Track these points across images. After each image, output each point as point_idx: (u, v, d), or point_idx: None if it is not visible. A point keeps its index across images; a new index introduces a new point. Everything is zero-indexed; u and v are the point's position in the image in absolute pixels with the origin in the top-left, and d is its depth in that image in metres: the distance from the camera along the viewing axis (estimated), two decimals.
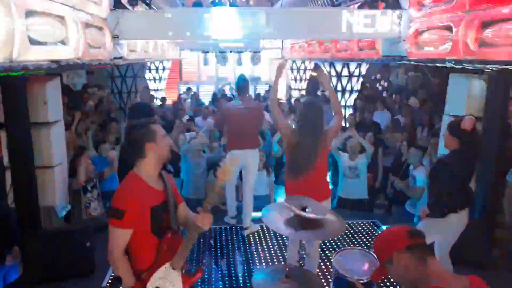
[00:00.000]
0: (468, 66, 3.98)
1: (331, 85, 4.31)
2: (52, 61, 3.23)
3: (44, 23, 2.95)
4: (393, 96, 12.86)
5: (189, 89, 14.79)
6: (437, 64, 4.33)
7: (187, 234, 2.48)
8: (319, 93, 12.21)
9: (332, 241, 5.14)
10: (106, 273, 4.53)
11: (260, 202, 5.87)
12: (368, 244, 5.13)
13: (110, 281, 4.35)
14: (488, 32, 3.28)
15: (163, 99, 12.07)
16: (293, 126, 4.08)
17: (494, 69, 4.10)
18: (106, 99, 10.58)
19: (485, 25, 3.29)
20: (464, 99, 4.89)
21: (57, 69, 3.40)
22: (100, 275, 4.48)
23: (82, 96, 10.50)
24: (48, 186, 4.76)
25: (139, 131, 2.49)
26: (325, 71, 4.19)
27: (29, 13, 2.65)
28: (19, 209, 4.50)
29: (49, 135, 4.72)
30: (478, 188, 5.07)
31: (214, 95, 13.37)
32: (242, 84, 5.36)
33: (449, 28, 3.77)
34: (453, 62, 3.90)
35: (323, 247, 5.03)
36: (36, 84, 4.58)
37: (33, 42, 2.74)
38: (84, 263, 4.48)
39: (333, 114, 4.06)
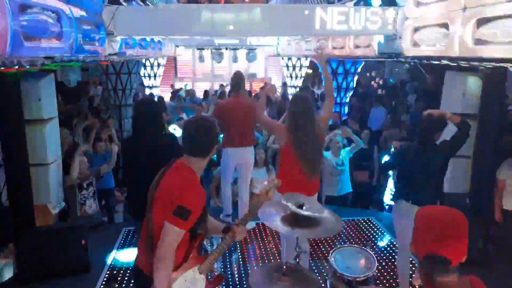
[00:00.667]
0: (463, 64, 3.99)
1: (327, 68, 4.29)
2: (47, 57, 3.20)
3: (39, 19, 2.91)
4: (387, 93, 12.90)
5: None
6: (433, 62, 4.33)
7: (223, 241, 2.47)
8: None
9: (328, 239, 5.14)
10: (102, 271, 4.51)
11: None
12: (364, 242, 5.14)
13: (106, 279, 4.34)
14: (484, 30, 3.28)
15: (160, 99, 11.94)
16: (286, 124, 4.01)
17: (489, 66, 4.10)
18: (101, 96, 10.56)
19: (481, 22, 3.30)
20: (460, 96, 4.90)
21: (51, 65, 3.38)
22: (95, 273, 4.46)
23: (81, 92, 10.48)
24: (43, 184, 4.72)
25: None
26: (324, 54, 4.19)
27: (24, 8, 2.62)
28: (14, 207, 4.47)
29: (43, 132, 4.68)
30: (472, 186, 5.10)
31: (206, 92, 13.30)
32: (237, 80, 5.34)
33: (445, 26, 3.77)
34: (449, 60, 3.91)
35: (320, 245, 5.04)
36: (31, 80, 4.53)
37: (27, 38, 2.70)
38: (79, 261, 4.46)
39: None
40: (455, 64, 4.09)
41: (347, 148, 6.32)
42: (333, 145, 6.24)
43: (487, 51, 3.26)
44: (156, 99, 11.46)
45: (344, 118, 9.20)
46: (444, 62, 4.06)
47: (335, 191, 6.31)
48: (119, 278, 4.37)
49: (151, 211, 2.37)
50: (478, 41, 3.34)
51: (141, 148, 3.57)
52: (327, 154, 6.21)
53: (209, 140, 2.43)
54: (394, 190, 4.01)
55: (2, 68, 2.82)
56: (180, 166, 2.41)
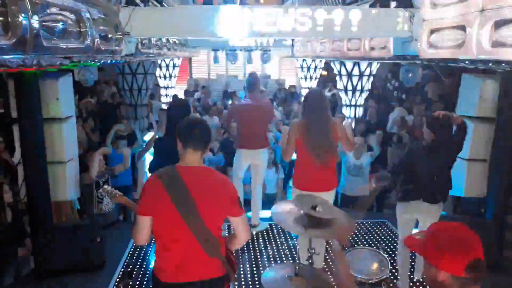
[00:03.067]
0: (481, 66, 3.94)
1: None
2: (65, 57, 3.26)
3: (58, 19, 2.97)
4: (404, 95, 12.78)
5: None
6: (450, 64, 4.29)
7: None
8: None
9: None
10: (116, 268, 4.57)
11: (270, 200, 5.89)
12: (377, 244, 5.10)
13: (120, 275, 4.39)
14: (502, 32, 3.24)
15: (175, 97, 12.10)
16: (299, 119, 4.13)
17: (507, 69, 4.05)
18: (114, 95, 10.68)
19: (499, 24, 3.26)
20: (477, 99, 4.83)
21: (69, 65, 3.44)
22: (110, 269, 4.52)
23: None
24: (60, 181, 4.80)
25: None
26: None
27: (43, 9, 2.67)
28: (31, 203, 4.56)
29: (61, 131, 4.76)
30: (489, 190, 5.02)
31: (226, 92, 13.40)
32: (252, 81, 5.32)
33: (462, 28, 3.73)
34: (466, 62, 3.86)
35: (333, 246, 5.01)
36: (49, 79, 4.62)
37: (46, 38, 2.76)
38: (94, 257, 4.52)
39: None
40: (472, 67, 4.04)
41: (369, 154, 6.32)
42: (356, 148, 6.27)
43: (505, 54, 3.22)
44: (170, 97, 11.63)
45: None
46: (461, 64, 4.02)
47: (350, 190, 6.31)
48: (133, 275, 4.42)
49: (203, 223, 2.33)
50: (496, 43, 3.30)
51: (172, 148, 3.58)
52: (348, 154, 6.21)
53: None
54: (400, 190, 4.06)
55: (22, 67, 2.88)
56: (203, 169, 2.51)
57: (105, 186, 3.01)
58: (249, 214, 5.52)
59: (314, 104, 3.96)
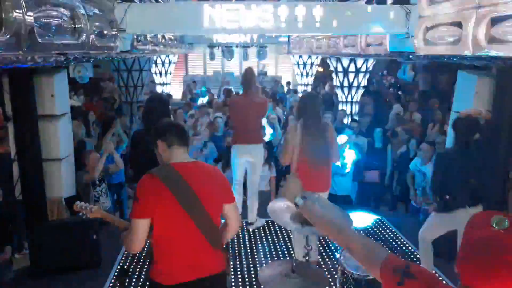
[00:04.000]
0: (477, 63, 3.95)
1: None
2: (60, 54, 3.24)
3: (52, 16, 2.95)
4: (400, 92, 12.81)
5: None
6: (446, 60, 4.30)
7: None
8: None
9: None
10: (112, 265, 4.56)
11: (263, 198, 5.89)
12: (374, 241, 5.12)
13: (116, 273, 4.38)
14: (498, 28, 3.25)
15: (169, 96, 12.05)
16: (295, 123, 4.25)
17: (503, 65, 4.06)
18: (114, 92, 10.66)
19: (495, 21, 3.26)
20: (472, 96, 4.84)
21: (64, 61, 3.41)
22: (106, 267, 4.51)
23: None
24: (55, 178, 4.78)
25: None
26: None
27: (38, 5, 2.65)
28: (26, 201, 4.54)
29: (56, 128, 4.74)
30: (486, 186, 5.03)
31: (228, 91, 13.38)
32: (248, 77, 5.30)
33: (458, 24, 3.73)
34: (462, 58, 3.87)
35: (329, 243, 5.03)
36: (44, 76, 4.59)
37: (41, 34, 2.74)
38: (90, 255, 4.50)
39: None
40: (468, 63, 4.05)
41: (354, 153, 6.33)
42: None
43: (500, 50, 3.22)
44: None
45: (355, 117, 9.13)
46: (457, 61, 4.03)
47: (337, 190, 6.33)
48: (129, 273, 4.41)
49: (207, 215, 2.34)
50: (492, 40, 3.31)
51: (149, 142, 3.59)
52: None
53: None
54: (439, 200, 3.91)
55: (17, 63, 2.85)
56: (194, 162, 2.50)
57: (77, 203, 2.84)
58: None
59: (309, 106, 4.08)
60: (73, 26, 3.33)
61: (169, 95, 11.74)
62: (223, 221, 2.59)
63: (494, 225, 1.19)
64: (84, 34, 3.51)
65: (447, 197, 3.80)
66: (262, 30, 4.70)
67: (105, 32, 4.18)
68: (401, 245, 5.10)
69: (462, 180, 3.75)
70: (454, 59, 3.99)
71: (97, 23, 3.90)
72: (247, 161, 5.36)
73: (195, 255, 2.36)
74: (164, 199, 2.27)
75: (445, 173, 3.82)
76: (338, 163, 5.96)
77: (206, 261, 2.39)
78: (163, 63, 13.00)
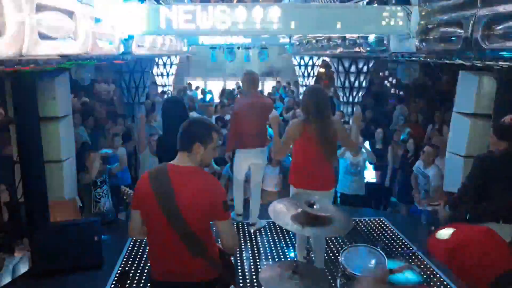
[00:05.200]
0: (478, 63, 3.95)
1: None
2: (61, 56, 3.26)
3: (54, 18, 2.96)
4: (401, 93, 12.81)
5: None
6: (447, 61, 4.30)
7: None
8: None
9: (339, 239, 5.14)
10: (114, 267, 4.56)
11: (270, 198, 5.90)
12: (375, 242, 5.11)
13: (117, 275, 4.38)
14: (499, 29, 3.25)
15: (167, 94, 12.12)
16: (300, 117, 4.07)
17: (504, 66, 4.05)
18: (113, 94, 10.67)
19: (496, 21, 3.27)
20: (473, 96, 4.84)
21: (66, 64, 3.43)
22: (107, 269, 4.51)
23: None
24: (57, 180, 4.80)
25: None
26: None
27: (39, 8, 2.66)
28: (28, 202, 4.55)
29: (58, 130, 4.75)
30: None
31: (223, 91, 13.43)
32: (250, 79, 5.21)
33: (459, 24, 3.74)
34: (463, 59, 3.87)
35: (330, 244, 5.03)
36: (46, 78, 4.60)
37: (42, 37, 2.75)
38: (92, 256, 4.51)
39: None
40: (469, 64, 4.05)
41: (367, 154, 6.35)
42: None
43: (501, 50, 3.23)
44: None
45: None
46: (458, 61, 4.03)
47: (348, 189, 6.35)
48: (131, 274, 4.41)
49: (184, 222, 2.32)
50: (492, 40, 3.31)
51: (170, 145, 3.56)
52: (347, 154, 6.21)
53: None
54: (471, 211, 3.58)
55: (19, 66, 2.87)
56: (193, 169, 2.45)
57: (122, 187, 3.04)
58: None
59: (312, 100, 3.85)
60: (74, 28, 3.35)
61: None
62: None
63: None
64: (86, 36, 3.53)
65: (484, 204, 3.46)
66: (219, 31, 4.69)
67: (106, 34, 4.20)
68: (402, 246, 5.09)
69: (504, 189, 3.39)
70: (455, 59, 3.99)
71: (98, 25, 3.92)
72: (252, 163, 5.33)
73: (169, 256, 2.42)
74: (147, 196, 2.38)
75: (483, 180, 3.49)
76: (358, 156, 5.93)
77: (180, 265, 2.41)
78: (164, 65, 13.03)
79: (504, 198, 3.35)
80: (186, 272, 2.42)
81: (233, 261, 2.68)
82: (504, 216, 3.38)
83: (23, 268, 4.42)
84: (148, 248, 2.60)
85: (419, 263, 4.65)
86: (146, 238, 2.56)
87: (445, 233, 1.55)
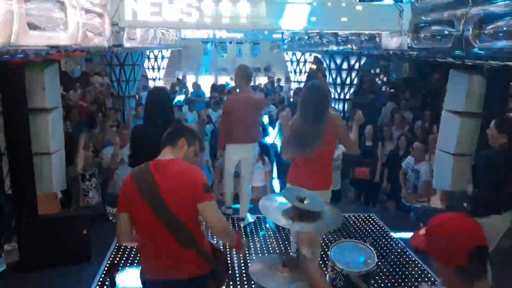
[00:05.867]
0: (468, 62, 3.98)
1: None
2: (51, 47, 3.21)
3: (43, 8, 2.92)
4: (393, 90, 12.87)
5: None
6: (437, 59, 4.33)
7: None
8: None
9: (329, 234, 5.16)
10: (103, 260, 4.54)
11: (257, 193, 5.90)
12: (365, 238, 5.14)
13: (107, 269, 4.36)
14: (490, 28, 3.28)
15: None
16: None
17: (494, 65, 4.09)
18: (105, 87, 10.59)
19: (487, 20, 3.29)
20: (464, 95, 4.88)
21: (55, 54, 3.38)
22: (96, 262, 4.49)
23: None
24: (46, 173, 4.74)
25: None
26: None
27: None
28: (16, 195, 4.49)
29: (47, 122, 4.69)
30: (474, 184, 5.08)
31: (213, 86, 13.35)
32: (243, 74, 5.16)
33: (450, 23, 3.76)
34: (453, 57, 3.90)
35: (320, 240, 5.05)
36: (35, 69, 4.54)
37: (31, 26, 2.71)
38: (81, 250, 4.48)
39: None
40: (460, 62, 4.08)
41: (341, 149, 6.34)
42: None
43: (492, 49, 3.25)
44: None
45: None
46: (449, 60, 4.06)
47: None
48: (119, 268, 4.39)
49: (169, 210, 2.33)
50: (484, 39, 3.33)
51: (151, 137, 3.54)
52: None
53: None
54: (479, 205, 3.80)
55: (7, 57, 2.83)
56: (173, 160, 2.49)
57: (108, 209, 3.06)
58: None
59: (309, 98, 3.74)
60: (64, 19, 3.30)
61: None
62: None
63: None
64: (76, 28, 3.48)
65: (487, 196, 3.68)
66: (185, 24, 4.66)
67: (97, 25, 4.15)
68: (391, 243, 5.14)
69: (504, 183, 3.63)
70: (446, 57, 4.02)
71: (89, 16, 3.87)
72: (242, 157, 5.33)
73: (164, 255, 2.41)
74: (134, 197, 2.37)
75: (493, 175, 3.67)
76: None
77: (178, 263, 2.41)
78: (156, 58, 12.94)
79: (507, 189, 3.60)
80: (178, 266, 2.41)
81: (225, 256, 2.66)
82: (506, 205, 3.63)
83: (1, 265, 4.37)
84: (139, 249, 2.56)
85: (407, 259, 4.70)
86: (136, 242, 2.55)
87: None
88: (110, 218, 3.00)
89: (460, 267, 1.50)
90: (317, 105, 3.69)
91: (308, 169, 3.76)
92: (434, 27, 4.15)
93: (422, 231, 1.64)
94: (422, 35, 4.37)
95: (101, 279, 4.18)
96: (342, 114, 9.16)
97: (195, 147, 2.59)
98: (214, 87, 12.11)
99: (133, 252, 4.68)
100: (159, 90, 5.09)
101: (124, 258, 4.62)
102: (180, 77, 15.38)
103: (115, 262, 4.53)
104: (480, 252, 1.50)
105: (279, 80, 15.57)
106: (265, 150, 6.63)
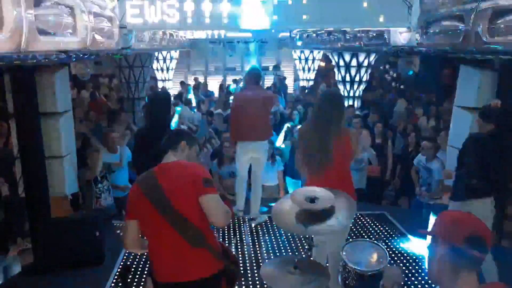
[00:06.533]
0: (479, 57, 3.93)
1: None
2: (61, 51, 3.24)
3: (53, 13, 2.94)
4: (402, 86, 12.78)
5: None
6: (447, 55, 4.28)
7: None
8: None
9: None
10: (115, 262, 4.57)
11: (269, 192, 5.89)
12: (377, 236, 5.11)
13: (119, 270, 4.39)
14: (500, 22, 3.23)
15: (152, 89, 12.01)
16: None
17: (506, 59, 4.03)
18: (115, 88, 10.65)
19: (497, 15, 3.24)
20: (475, 90, 4.81)
21: (65, 59, 3.41)
22: (108, 264, 4.52)
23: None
24: (58, 176, 4.79)
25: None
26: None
27: (38, 3, 2.64)
28: (29, 198, 4.54)
29: (58, 125, 4.74)
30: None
31: (221, 86, 13.39)
32: (254, 74, 5.20)
33: (460, 18, 3.71)
34: (464, 53, 3.85)
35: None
36: (45, 74, 4.58)
37: (41, 32, 2.73)
38: (94, 252, 4.51)
39: None
40: (470, 58, 4.03)
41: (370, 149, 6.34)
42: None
43: (503, 44, 3.21)
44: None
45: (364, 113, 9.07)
46: (460, 55, 4.01)
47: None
48: (132, 270, 4.42)
49: (175, 210, 2.37)
50: (494, 33, 3.29)
51: (153, 140, 3.57)
52: None
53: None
54: (460, 187, 3.85)
55: (18, 61, 2.85)
56: (175, 162, 2.57)
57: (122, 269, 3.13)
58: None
59: (324, 107, 3.47)
60: (73, 23, 3.33)
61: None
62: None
63: None
64: (85, 31, 3.51)
65: (475, 181, 3.73)
66: (168, 25, 4.67)
67: (105, 29, 4.18)
68: (404, 240, 5.10)
69: (484, 168, 3.70)
70: (456, 53, 3.97)
71: (97, 20, 3.90)
72: (252, 157, 5.32)
73: (176, 257, 2.43)
74: (141, 203, 2.42)
75: (478, 157, 3.74)
76: None
77: (190, 264, 2.42)
78: (164, 59, 12.97)
79: (494, 174, 3.71)
80: (190, 267, 2.42)
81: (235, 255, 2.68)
82: (487, 190, 3.74)
83: (16, 269, 4.42)
84: (150, 255, 2.58)
85: (420, 257, 4.66)
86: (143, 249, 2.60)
87: None
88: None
89: (455, 247, 1.54)
90: (332, 118, 3.42)
91: (325, 181, 3.24)
92: (444, 23, 4.10)
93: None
94: (431, 31, 4.33)
95: (113, 281, 4.21)
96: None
97: (195, 147, 2.71)
98: (222, 88, 12.15)
99: (144, 255, 4.70)
100: (159, 93, 5.19)
101: (136, 260, 4.64)
102: (187, 80, 15.37)
103: (128, 264, 4.56)
104: (479, 240, 1.54)
105: (285, 78, 15.49)
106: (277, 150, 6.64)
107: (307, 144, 3.51)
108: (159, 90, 11.00)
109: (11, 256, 4.41)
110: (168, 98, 4.42)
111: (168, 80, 13.41)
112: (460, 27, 3.71)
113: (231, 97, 11.05)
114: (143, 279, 4.24)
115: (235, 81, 14.06)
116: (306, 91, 12.67)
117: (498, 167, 3.71)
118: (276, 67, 16.38)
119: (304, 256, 3.79)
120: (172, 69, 13.42)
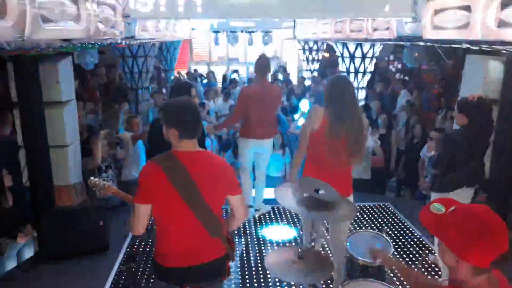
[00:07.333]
0: (485, 47, 3.88)
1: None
2: (64, 40, 3.22)
3: (56, 1, 2.92)
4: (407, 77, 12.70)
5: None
6: (454, 45, 4.23)
7: None
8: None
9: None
10: (119, 251, 4.60)
11: (274, 183, 5.88)
12: (380, 227, 5.11)
13: (124, 258, 4.42)
14: (507, 12, 3.19)
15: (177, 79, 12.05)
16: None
17: None
18: (117, 78, 10.63)
19: (504, 4, 3.20)
20: (481, 81, 4.78)
21: (68, 48, 3.40)
22: (113, 253, 4.55)
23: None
24: (62, 165, 4.80)
25: None
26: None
27: None
28: (34, 187, 4.56)
29: (62, 115, 4.74)
30: (491, 172, 5.00)
31: (224, 76, 13.35)
32: (262, 64, 4.99)
33: (467, 8, 3.67)
34: (470, 43, 3.81)
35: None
36: (48, 63, 4.57)
37: (44, 20, 2.72)
38: (98, 241, 4.54)
39: None
40: (477, 48, 3.98)
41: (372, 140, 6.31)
42: None
43: (510, 34, 3.17)
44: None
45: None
46: (465, 45, 3.97)
47: (356, 173, 6.34)
48: (137, 259, 4.45)
49: (209, 209, 2.37)
50: (501, 24, 3.25)
51: None
52: None
53: None
54: (441, 180, 3.94)
55: (21, 50, 2.84)
56: (204, 153, 2.50)
57: (91, 178, 2.96)
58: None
59: (344, 91, 3.33)
60: (77, 12, 3.31)
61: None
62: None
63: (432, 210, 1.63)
64: (88, 20, 3.49)
65: (452, 174, 3.85)
66: (141, 14, 4.57)
67: (109, 18, 4.15)
68: (407, 231, 5.10)
69: (463, 159, 3.81)
70: (462, 42, 3.93)
71: (101, 9, 3.87)
72: (256, 152, 5.23)
73: (191, 243, 2.41)
74: (163, 188, 2.30)
75: (453, 152, 3.85)
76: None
77: (203, 249, 2.44)
78: (168, 49, 12.92)
79: (467, 167, 3.80)
80: (203, 253, 2.45)
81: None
82: (467, 181, 3.86)
83: (28, 253, 4.46)
84: (159, 237, 2.46)
85: (423, 248, 4.67)
86: (155, 223, 2.48)
87: (437, 207, 1.63)
88: (93, 189, 2.94)
89: (477, 267, 1.47)
90: (352, 100, 3.35)
91: (328, 171, 3.27)
92: (450, 12, 4.05)
93: (434, 208, 1.62)
94: (438, 21, 4.27)
95: (118, 270, 4.24)
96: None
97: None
98: (225, 78, 12.07)
99: (149, 243, 4.73)
100: (182, 83, 5.09)
101: (141, 248, 4.67)
102: (193, 70, 15.32)
103: (133, 252, 4.58)
104: (504, 257, 1.45)
105: (284, 69, 15.40)
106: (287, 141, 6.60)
107: (338, 125, 3.27)
108: (181, 80, 10.99)
109: (21, 241, 4.44)
110: (189, 87, 4.31)
111: (172, 69, 13.39)
112: (467, 17, 3.66)
113: (234, 89, 11.08)
114: (148, 267, 4.27)
115: (236, 71, 14.02)
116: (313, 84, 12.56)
117: (470, 160, 3.82)
118: (275, 57, 16.35)
119: (308, 246, 3.80)
120: (175, 59, 13.40)
